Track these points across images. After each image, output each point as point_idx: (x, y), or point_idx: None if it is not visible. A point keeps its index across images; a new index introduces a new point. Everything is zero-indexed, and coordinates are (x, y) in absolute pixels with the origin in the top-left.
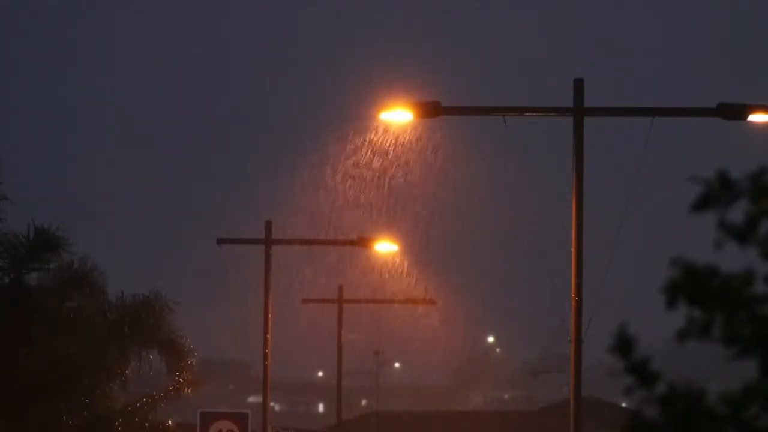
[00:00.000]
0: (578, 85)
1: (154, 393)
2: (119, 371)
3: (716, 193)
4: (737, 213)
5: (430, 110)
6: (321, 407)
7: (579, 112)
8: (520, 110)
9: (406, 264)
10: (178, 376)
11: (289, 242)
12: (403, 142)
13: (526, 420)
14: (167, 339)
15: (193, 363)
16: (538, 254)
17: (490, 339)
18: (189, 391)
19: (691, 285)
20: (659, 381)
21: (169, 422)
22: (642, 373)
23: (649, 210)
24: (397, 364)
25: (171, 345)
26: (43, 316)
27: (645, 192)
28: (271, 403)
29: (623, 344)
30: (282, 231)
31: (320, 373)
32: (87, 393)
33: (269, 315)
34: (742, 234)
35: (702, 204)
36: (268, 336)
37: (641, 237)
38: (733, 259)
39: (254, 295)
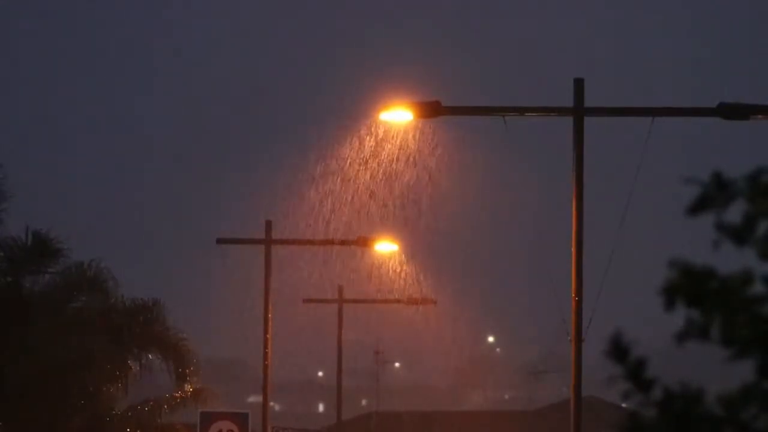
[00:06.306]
0: (578, 85)
1: (167, 395)
2: (120, 374)
3: (712, 194)
4: (735, 214)
5: (430, 110)
6: (321, 407)
7: (579, 112)
8: (520, 110)
9: (406, 264)
10: (183, 382)
11: (289, 242)
12: (403, 142)
13: (526, 420)
14: (171, 344)
15: (198, 368)
16: (539, 254)
17: (490, 339)
18: (195, 401)
19: (690, 286)
20: (655, 386)
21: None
22: (638, 378)
23: (650, 210)
24: (397, 364)
25: (174, 349)
26: (44, 318)
27: (645, 192)
28: (271, 403)
29: (618, 349)
30: (282, 231)
31: (320, 373)
32: (87, 395)
33: (269, 315)
34: (740, 235)
35: (698, 206)
36: (268, 336)
37: (641, 237)
38: (731, 260)
39: (254, 294)
